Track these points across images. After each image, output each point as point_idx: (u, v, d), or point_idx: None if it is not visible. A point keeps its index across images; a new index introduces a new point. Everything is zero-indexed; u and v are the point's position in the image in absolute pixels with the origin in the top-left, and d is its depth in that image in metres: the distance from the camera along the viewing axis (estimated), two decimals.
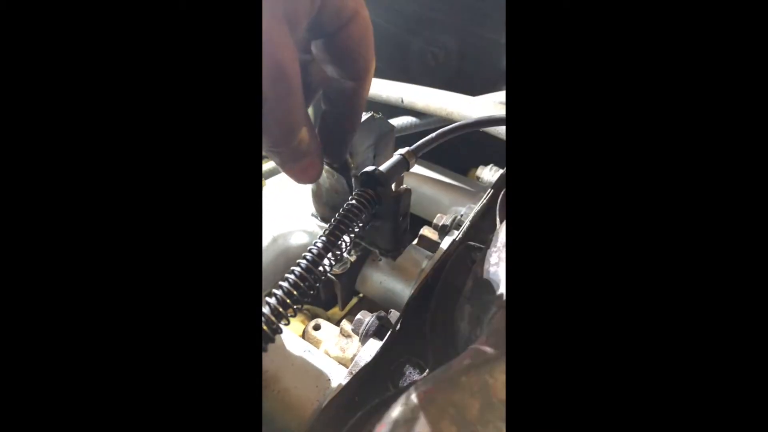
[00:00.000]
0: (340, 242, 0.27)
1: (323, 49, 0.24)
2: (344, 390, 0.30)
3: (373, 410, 0.29)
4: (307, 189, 0.39)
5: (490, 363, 0.21)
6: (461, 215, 0.51)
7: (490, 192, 0.49)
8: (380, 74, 0.53)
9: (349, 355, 0.39)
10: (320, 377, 0.33)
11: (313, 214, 0.38)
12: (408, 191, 0.30)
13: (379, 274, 0.45)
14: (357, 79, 0.25)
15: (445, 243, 0.45)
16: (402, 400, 0.20)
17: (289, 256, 0.46)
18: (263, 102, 0.19)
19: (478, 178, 0.62)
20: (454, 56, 0.68)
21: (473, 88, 0.64)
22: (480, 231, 0.48)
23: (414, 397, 0.20)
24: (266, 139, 0.22)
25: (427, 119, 0.51)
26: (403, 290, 0.45)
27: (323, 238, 0.27)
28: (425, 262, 0.45)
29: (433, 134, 0.34)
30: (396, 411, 0.19)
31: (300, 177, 0.25)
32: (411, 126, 0.51)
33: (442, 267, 0.39)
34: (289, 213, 0.47)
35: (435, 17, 0.60)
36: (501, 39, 0.60)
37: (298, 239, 0.46)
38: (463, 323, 0.31)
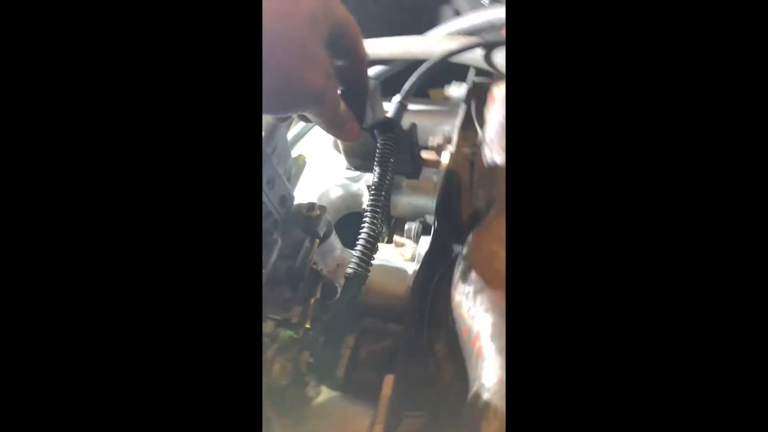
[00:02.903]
0: (388, 173, 0.40)
1: (334, 49, 0.34)
2: (420, 271, 0.45)
3: (441, 276, 0.44)
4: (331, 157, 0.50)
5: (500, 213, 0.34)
6: (448, 132, 0.63)
7: (463, 106, 0.61)
8: None
9: (408, 255, 0.53)
10: (400, 272, 0.48)
11: (347, 167, 0.50)
12: (414, 125, 0.42)
13: (405, 197, 0.58)
14: (359, 62, 0.36)
15: (444, 158, 0.58)
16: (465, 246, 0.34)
17: (333, 208, 0.59)
18: (321, 98, 0.30)
19: (446, 97, 0.73)
20: None
21: (409, 17, 0.72)
22: (467, 140, 0.61)
23: (468, 243, 0.34)
24: (325, 122, 0.34)
25: (395, 63, 0.62)
26: (426, 202, 0.58)
27: (377, 171, 0.39)
28: (435, 176, 0.58)
29: (414, 75, 0.46)
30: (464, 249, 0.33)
31: (348, 136, 0.37)
32: (384, 72, 0.62)
33: (450, 176, 0.52)
34: (322, 175, 0.59)
35: None
36: None
37: (336, 193, 0.58)
38: (479, 203, 0.45)
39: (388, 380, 0.38)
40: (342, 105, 0.35)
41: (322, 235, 0.49)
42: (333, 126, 0.36)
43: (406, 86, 0.46)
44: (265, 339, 0.41)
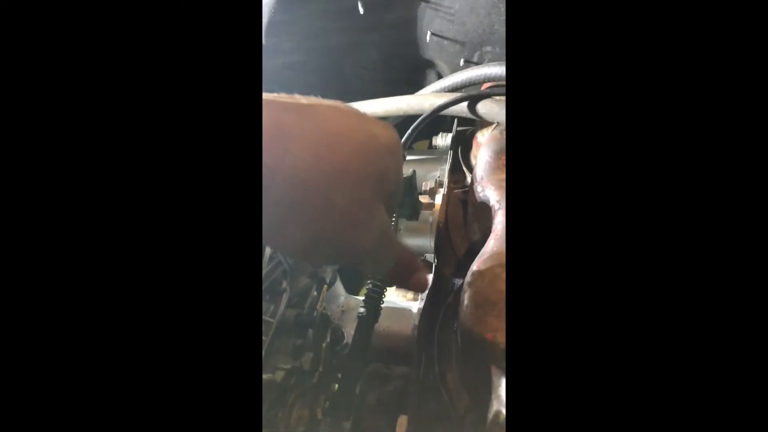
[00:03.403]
0: (392, 216, 0.43)
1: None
2: (425, 308, 0.46)
3: (446, 309, 0.45)
4: None
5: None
6: (439, 177, 0.68)
7: (450, 152, 0.66)
8: (329, 95, 0.68)
9: (410, 296, 0.55)
10: (405, 312, 0.49)
11: None
12: (414, 172, 0.46)
13: (404, 239, 0.61)
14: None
15: (438, 199, 0.62)
16: (467, 276, 0.36)
17: None
18: (370, 254, 0.25)
19: (434, 146, 0.79)
20: (379, 64, 0.84)
21: (399, 80, 0.80)
22: (456, 182, 0.65)
23: (473, 271, 0.36)
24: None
25: (387, 119, 0.67)
26: (425, 242, 0.61)
27: None
28: (431, 217, 0.62)
29: (410, 129, 0.50)
30: (468, 276, 0.36)
31: (416, 286, 0.32)
32: None
33: (445, 214, 0.55)
34: None
35: (358, 41, 0.76)
36: (413, 48, 0.77)
37: None
38: (475, 236, 0.48)
39: (402, 421, 0.38)
40: (404, 257, 0.30)
41: (328, 281, 0.50)
42: (394, 279, 0.32)
43: (404, 138, 0.51)
44: (276, 391, 0.41)
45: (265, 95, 0.22)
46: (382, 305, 0.42)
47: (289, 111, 0.22)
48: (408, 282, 0.31)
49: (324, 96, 0.28)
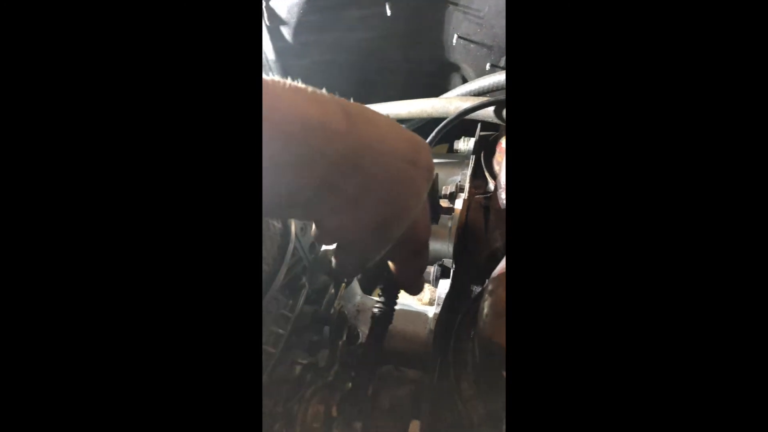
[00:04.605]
0: None
1: None
2: (441, 313, 0.46)
3: (463, 315, 0.45)
4: None
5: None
6: (459, 181, 0.67)
7: (473, 157, 0.66)
8: (355, 96, 0.68)
9: (426, 300, 0.55)
10: (421, 315, 0.49)
11: None
12: (437, 174, 0.46)
13: None
14: None
15: (458, 204, 0.62)
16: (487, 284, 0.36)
17: None
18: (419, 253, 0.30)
19: (456, 150, 0.78)
20: (402, 64, 0.84)
21: (424, 82, 0.80)
22: (478, 187, 0.65)
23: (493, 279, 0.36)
24: (408, 269, 0.33)
25: (411, 121, 0.67)
26: (442, 246, 0.61)
27: None
28: (450, 222, 0.61)
29: (435, 131, 0.50)
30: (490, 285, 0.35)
31: (413, 288, 0.36)
32: None
33: (465, 220, 0.55)
34: None
35: (384, 43, 0.76)
36: (439, 51, 0.77)
37: None
38: (496, 243, 0.48)
39: (414, 426, 0.38)
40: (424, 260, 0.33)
41: (346, 279, 0.50)
42: (407, 275, 0.35)
43: (428, 140, 0.51)
44: (292, 385, 0.42)
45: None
46: (396, 304, 0.42)
47: (352, 105, 0.25)
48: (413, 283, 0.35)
49: (349, 96, 0.29)
